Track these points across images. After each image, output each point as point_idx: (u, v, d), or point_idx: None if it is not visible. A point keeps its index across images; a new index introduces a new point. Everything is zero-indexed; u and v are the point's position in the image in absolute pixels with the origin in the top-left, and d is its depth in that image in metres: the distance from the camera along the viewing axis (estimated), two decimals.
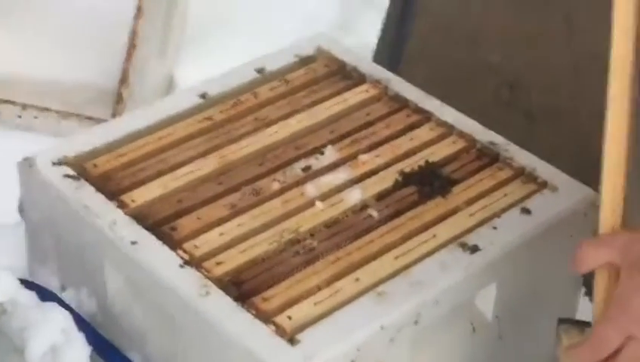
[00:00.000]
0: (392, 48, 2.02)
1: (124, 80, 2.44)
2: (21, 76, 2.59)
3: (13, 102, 2.52)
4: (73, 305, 1.47)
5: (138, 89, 2.44)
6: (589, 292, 1.70)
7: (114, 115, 2.35)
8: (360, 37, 2.48)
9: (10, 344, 1.36)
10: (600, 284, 1.22)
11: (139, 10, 2.46)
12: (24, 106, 2.51)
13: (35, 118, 2.49)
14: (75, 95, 2.54)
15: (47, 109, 2.50)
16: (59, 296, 1.50)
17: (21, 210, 1.62)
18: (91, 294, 1.48)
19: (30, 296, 1.42)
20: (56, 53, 2.62)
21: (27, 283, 1.47)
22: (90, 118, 2.47)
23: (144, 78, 2.45)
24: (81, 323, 1.42)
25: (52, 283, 1.52)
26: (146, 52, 2.46)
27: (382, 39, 2.05)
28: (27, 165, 1.50)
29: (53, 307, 1.40)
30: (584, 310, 1.63)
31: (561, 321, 1.29)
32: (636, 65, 1.16)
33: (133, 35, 2.45)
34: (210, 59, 2.41)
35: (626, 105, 1.17)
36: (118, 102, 2.42)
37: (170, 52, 2.59)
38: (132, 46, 2.45)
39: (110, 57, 2.51)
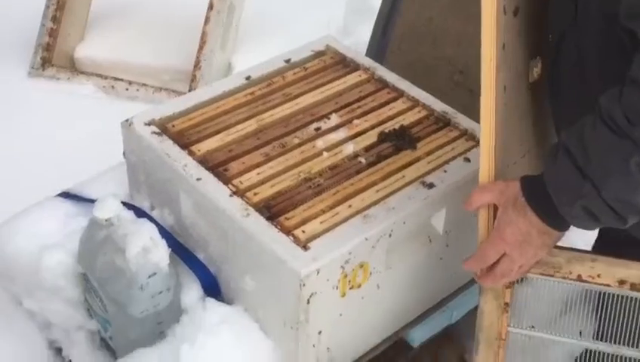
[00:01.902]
0: (379, 46, 1.97)
1: (197, 65, 2.42)
2: (129, 61, 2.58)
3: (122, 80, 2.51)
4: (158, 220, 1.44)
5: (206, 71, 2.41)
6: None
7: (190, 90, 2.34)
8: (357, 38, 2.45)
9: (116, 246, 1.32)
10: (482, 218, 1.21)
11: (207, 18, 2.44)
12: (130, 82, 2.50)
13: (137, 90, 2.49)
14: (165, 75, 2.54)
15: (145, 85, 2.50)
16: (149, 213, 1.47)
17: (124, 154, 1.61)
18: (170, 213, 1.45)
19: (129, 214, 1.37)
20: (153, 46, 2.60)
21: (127, 205, 1.43)
22: (174, 91, 2.46)
23: (211, 64, 2.43)
24: (164, 232, 1.39)
25: (145, 205, 1.50)
26: (212, 46, 2.43)
27: (371, 40, 2.00)
28: (127, 125, 1.46)
29: (144, 221, 1.35)
30: None
31: None
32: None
33: (203, 35, 2.43)
34: (256, 52, 2.38)
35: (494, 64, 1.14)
36: (192, 81, 2.41)
37: (229, 46, 2.56)
38: (202, 42, 2.43)
39: (188, 50, 2.49)
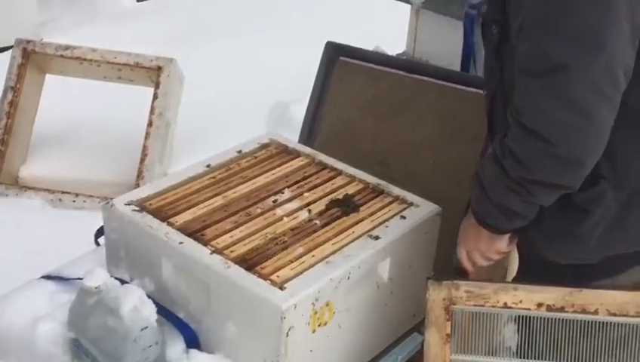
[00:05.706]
0: (307, 141, 2.18)
1: (139, 175, 2.59)
2: (69, 178, 2.71)
3: (69, 193, 2.63)
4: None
5: (149, 181, 2.58)
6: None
7: None
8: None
9: (108, 307, 1.44)
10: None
11: (147, 134, 2.64)
12: (77, 195, 2.62)
13: (84, 201, 2.61)
14: (109, 187, 2.67)
15: (91, 196, 2.63)
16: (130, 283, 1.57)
17: (96, 241, 1.73)
18: (151, 281, 1.57)
19: (116, 282, 1.50)
20: (91, 164, 2.76)
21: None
22: None
23: (152, 175, 2.60)
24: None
25: (124, 278, 1.59)
26: (153, 158, 2.62)
27: (301, 137, 2.23)
28: (109, 206, 1.61)
29: (131, 286, 1.49)
30: None
31: (429, 278, 1.47)
32: None
33: (144, 149, 2.62)
34: (188, 165, 2.57)
35: None
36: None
37: (165, 160, 2.75)
38: (144, 155, 2.62)
39: (130, 164, 2.66)
